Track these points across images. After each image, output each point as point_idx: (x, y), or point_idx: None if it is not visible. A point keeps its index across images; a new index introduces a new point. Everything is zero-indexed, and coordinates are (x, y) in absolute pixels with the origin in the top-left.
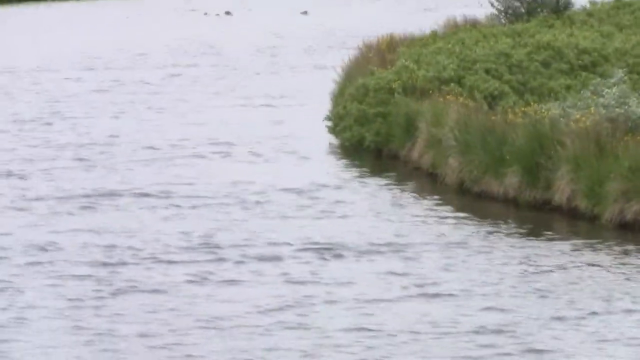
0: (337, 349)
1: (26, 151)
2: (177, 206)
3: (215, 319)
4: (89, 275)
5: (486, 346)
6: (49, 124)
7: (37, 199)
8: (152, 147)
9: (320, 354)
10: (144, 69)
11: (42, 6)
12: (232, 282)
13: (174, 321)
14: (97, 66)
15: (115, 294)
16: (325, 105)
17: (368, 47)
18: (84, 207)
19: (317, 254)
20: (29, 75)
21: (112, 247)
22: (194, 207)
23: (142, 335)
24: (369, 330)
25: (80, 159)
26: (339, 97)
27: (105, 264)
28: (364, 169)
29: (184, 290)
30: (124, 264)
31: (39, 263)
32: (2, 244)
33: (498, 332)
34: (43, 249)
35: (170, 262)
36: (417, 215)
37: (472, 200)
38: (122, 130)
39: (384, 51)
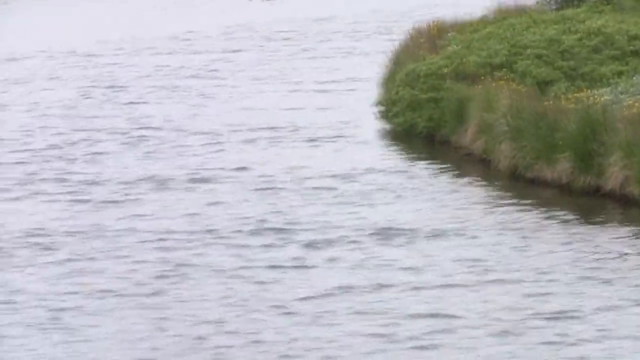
0: (407, 333)
1: (79, 136)
2: (234, 192)
3: (284, 304)
4: (155, 262)
5: (546, 330)
6: (101, 108)
7: (93, 184)
8: (206, 133)
9: (391, 338)
10: (192, 54)
11: None
12: (298, 267)
13: (244, 306)
14: (143, 52)
15: (181, 280)
16: (374, 91)
17: (418, 32)
18: (143, 193)
19: (372, 239)
20: (76, 60)
21: (172, 232)
22: (250, 192)
23: (216, 320)
24: (432, 315)
25: (135, 145)
26: (389, 82)
27: (168, 250)
28: (417, 155)
29: (250, 276)
30: (185, 249)
31: (102, 250)
32: (63, 229)
33: (557, 317)
34: (102, 236)
35: (233, 246)
36: (470, 202)
37: (524, 186)
38: (174, 116)
39: (434, 36)
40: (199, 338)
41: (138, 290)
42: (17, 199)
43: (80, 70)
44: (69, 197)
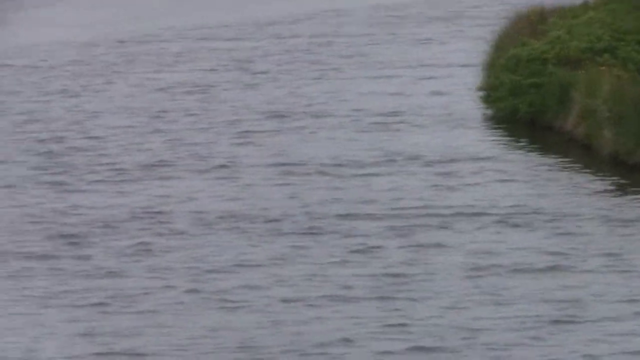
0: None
1: (227, 117)
2: (341, 176)
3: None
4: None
5: None
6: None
7: (239, 166)
8: (318, 116)
9: None
10: (299, 38)
11: None
12: (436, 245)
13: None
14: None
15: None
16: (476, 76)
17: (518, 17)
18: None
19: (468, 222)
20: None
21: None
22: (356, 176)
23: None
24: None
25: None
26: (490, 67)
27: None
28: (518, 140)
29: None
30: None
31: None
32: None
33: None
34: (273, 219)
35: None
36: (571, 187)
37: (626, 171)
38: (284, 100)
39: (535, 22)
40: None
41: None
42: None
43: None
44: (215, 180)
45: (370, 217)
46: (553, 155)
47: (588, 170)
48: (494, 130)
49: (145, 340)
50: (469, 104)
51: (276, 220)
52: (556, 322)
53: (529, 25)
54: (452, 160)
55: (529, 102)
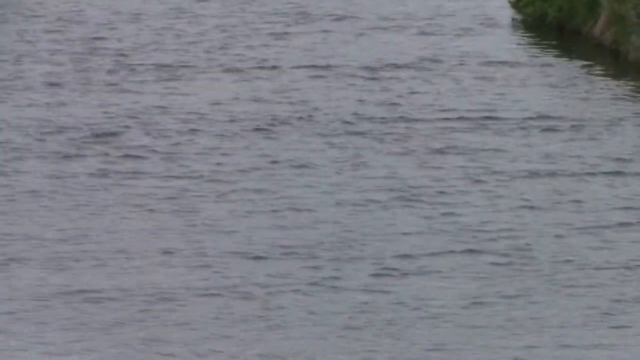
0: None
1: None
2: (372, 78)
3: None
4: None
5: None
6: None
7: None
8: (343, 19)
9: None
10: None
11: None
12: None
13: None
14: None
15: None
16: None
17: None
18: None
19: (495, 125)
20: None
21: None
22: (384, 78)
23: None
24: None
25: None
26: None
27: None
28: (545, 45)
29: None
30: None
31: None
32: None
33: None
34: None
35: None
36: (595, 92)
37: None
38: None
39: None
40: None
41: None
42: None
43: None
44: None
45: (402, 119)
46: (579, 61)
47: (613, 76)
48: (522, 36)
49: (183, 242)
50: (498, 9)
51: (311, 119)
52: None
53: None
54: (479, 64)
55: (557, 6)
